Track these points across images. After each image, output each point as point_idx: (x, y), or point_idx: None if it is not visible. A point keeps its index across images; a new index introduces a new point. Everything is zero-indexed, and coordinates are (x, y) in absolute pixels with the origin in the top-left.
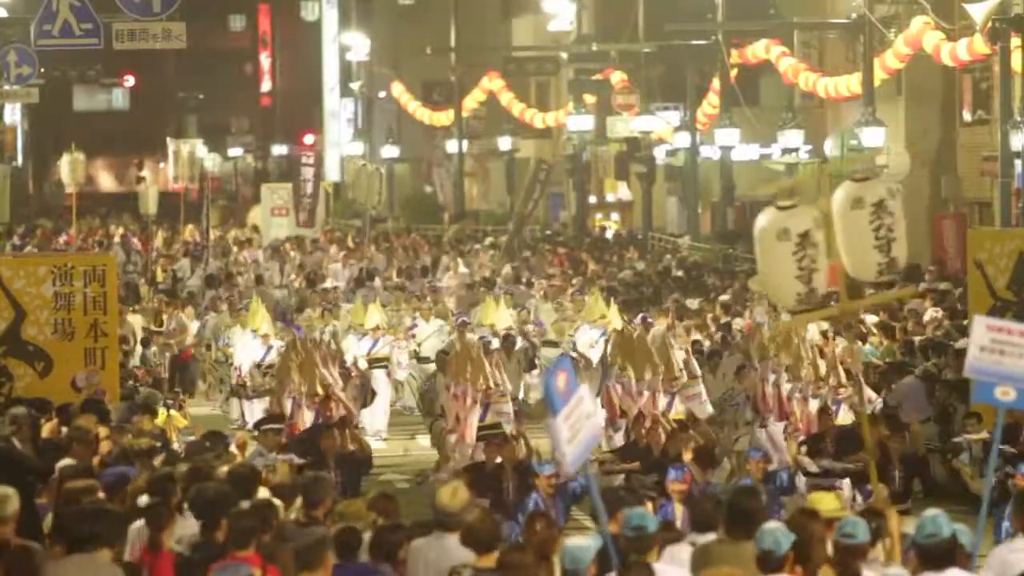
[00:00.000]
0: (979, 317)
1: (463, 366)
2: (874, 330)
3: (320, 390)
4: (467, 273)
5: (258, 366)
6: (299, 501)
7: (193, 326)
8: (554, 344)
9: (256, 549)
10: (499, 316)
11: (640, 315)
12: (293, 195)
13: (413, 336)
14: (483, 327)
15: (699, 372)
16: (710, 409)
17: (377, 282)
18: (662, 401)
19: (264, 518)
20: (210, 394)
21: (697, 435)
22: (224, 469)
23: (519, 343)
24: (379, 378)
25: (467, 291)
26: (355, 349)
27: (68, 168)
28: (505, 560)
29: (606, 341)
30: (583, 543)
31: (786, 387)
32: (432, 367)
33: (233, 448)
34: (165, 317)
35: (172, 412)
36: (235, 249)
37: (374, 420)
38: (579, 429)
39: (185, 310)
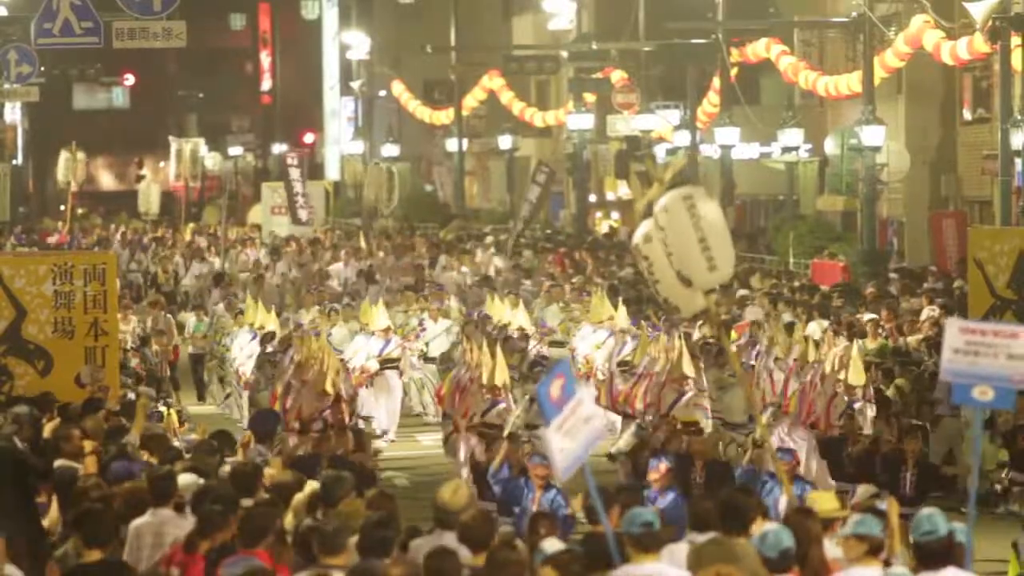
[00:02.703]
0: (951, 319)
1: (473, 361)
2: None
3: (330, 389)
4: (468, 272)
5: (260, 367)
6: (297, 499)
7: (191, 325)
8: (561, 344)
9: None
10: (506, 314)
11: (667, 319)
12: (286, 197)
13: (420, 336)
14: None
15: (707, 386)
16: (709, 426)
17: (385, 281)
18: (669, 397)
19: (267, 517)
20: (217, 395)
21: (707, 440)
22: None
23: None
24: (390, 379)
25: (468, 291)
26: (365, 349)
27: (65, 166)
28: (494, 557)
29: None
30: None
31: (793, 385)
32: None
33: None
34: (150, 319)
35: (171, 412)
36: (237, 248)
37: (383, 421)
38: (576, 434)
39: (184, 311)
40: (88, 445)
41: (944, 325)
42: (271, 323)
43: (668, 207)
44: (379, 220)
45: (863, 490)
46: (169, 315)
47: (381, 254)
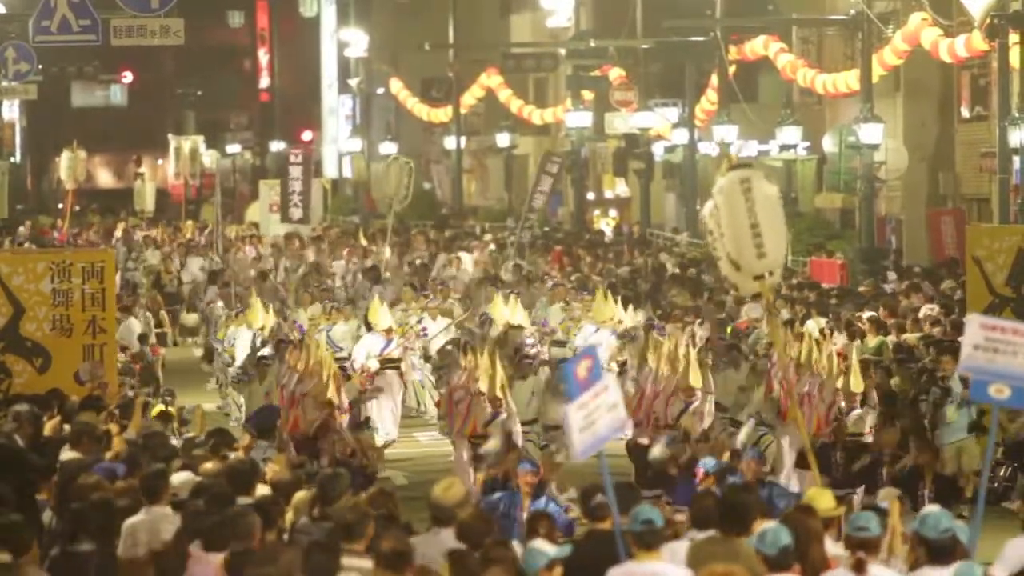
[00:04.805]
0: (973, 315)
1: (472, 369)
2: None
3: (333, 398)
4: (467, 270)
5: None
6: (298, 497)
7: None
8: (561, 344)
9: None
10: (509, 314)
11: (646, 319)
12: (280, 193)
13: (425, 335)
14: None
15: (713, 388)
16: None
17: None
18: (675, 407)
19: (268, 514)
20: (222, 393)
21: (716, 445)
22: (208, 465)
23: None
24: (391, 379)
25: (471, 290)
26: (367, 348)
27: (67, 165)
28: (490, 554)
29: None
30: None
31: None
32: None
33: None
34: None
35: (170, 409)
36: (238, 245)
37: (385, 422)
38: (595, 419)
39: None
40: (114, 428)
41: (945, 324)
42: (271, 323)
43: (725, 188)
44: (389, 217)
45: (886, 492)
46: (149, 313)
47: (386, 251)
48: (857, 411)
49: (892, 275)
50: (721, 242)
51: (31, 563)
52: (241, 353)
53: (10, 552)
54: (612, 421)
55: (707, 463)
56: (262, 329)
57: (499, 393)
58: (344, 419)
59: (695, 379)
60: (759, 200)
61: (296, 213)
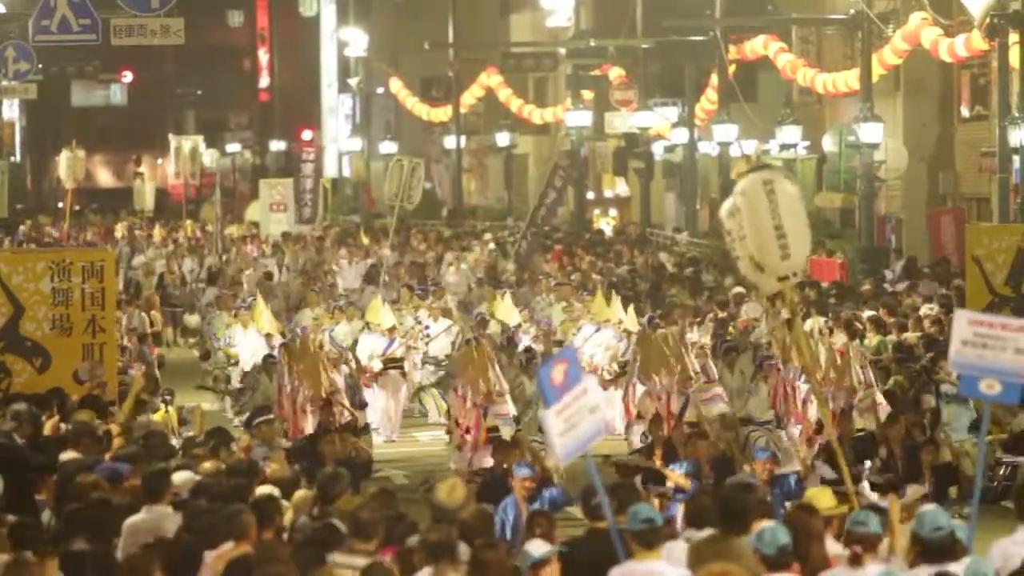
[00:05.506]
0: (960, 311)
1: (467, 367)
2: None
3: (324, 394)
4: (467, 270)
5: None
6: (298, 496)
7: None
8: (561, 344)
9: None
10: (506, 312)
11: (647, 316)
12: (293, 191)
13: (428, 336)
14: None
15: (716, 375)
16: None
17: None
18: (677, 403)
19: (266, 512)
20: (217, 391)
21: (716, 442)
22: (207, 465)
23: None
24: (394, 379)
25: (468, 289)
26: (371, 348)
27: (66, 164)
28: (479, 557)
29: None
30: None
31: (803, 388)
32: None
33: (234, 447)
34: (126, 316)
35: (169, 409)
36: (239, 245)
37: (387, 422)
38: (577, 423)
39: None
40: (115, 428)
41: (945, 322)
42: (272, 327)
43: (746, 191)
44: (392, 217)
45: (912, 490)
46: (144, 314)
47: (386, 251)
48: (853, 402)
49: (889, 274)
50: (743, 244)
51: (47, 563)
52: (244, 356)
53: (29, 551)
54: (594, 423)
55: (679, 466)
56: (260, 331)
57: (492, 389)
58: (343, 405)
59: (690, 368)
60: (782, 201)
61: (306, 213)
